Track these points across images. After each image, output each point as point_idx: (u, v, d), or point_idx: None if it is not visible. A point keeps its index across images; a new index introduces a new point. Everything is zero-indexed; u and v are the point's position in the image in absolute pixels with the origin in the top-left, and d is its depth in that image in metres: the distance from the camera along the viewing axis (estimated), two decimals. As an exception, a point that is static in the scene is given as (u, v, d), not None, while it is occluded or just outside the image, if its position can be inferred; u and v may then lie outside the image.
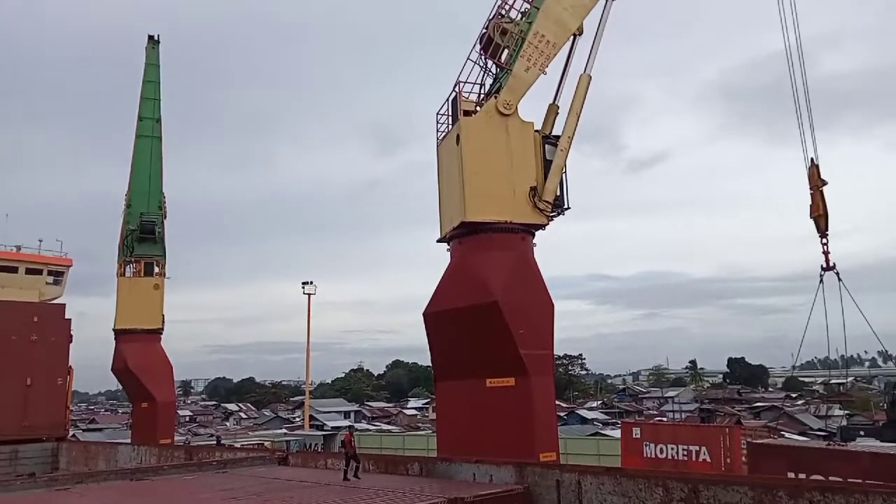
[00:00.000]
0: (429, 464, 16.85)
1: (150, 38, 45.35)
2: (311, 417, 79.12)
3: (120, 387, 49.38)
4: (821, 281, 22.08)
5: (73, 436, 46.72)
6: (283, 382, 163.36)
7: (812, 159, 22.39)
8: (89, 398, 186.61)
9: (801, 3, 23.09)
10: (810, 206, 22.44)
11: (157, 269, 42.39)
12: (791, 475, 20.66)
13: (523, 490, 13.50)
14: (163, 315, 41.98)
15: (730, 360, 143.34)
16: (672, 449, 29.68)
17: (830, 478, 19.90)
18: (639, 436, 31.48)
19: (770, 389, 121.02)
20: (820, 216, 22.13)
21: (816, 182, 22.24)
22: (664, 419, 71.52)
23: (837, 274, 21.74)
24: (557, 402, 40.85)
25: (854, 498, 9.83)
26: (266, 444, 50.84)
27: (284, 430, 73.66)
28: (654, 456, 29.89)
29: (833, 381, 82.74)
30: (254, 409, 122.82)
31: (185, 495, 15.14)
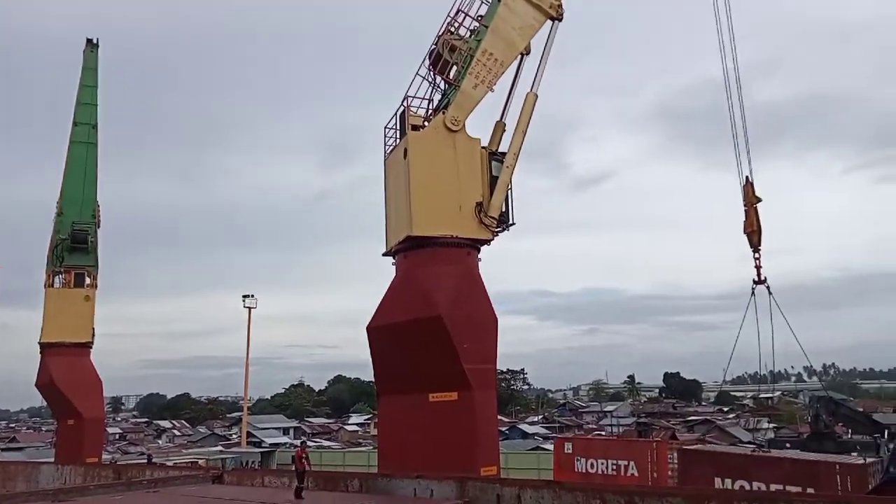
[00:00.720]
0: (369, 480, 16.61)
1: (89, 41, 43.83)
2: (249, 434, 77.16)
3: (44, 403, 47.07)
4: (752, 294, 23.07)
5: (-9, 455, 44.07)
6: (221, 398, 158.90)
7: (747, 177, 23.43)
8: (10, 415, 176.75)
9: (739, 29, 24.25)
10: (744, 221, 23.41)
11: (88, 280, 40.65)
12: (718, 480, 21.41)
13: (464, 505, 13.45)
14: (93, 328, 40.23)
15: (665, 374, 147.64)
16: (602, 464, 30.42)
17: (755, 482, 20.75)
18: (570, 451, 32.09)
19: (703, 403, 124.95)
20: (753, 231, 23.12)
21: (751, 199, 23.24)
22: (603, 433, 72.84)
23: (768, 287, 22.77)
24: (499, 417, 41.13)
25: (781, 507, 10.22)
26: (200, 462, 49.20)
27: (220, 448, 71.52)
28: (585, 470, 30.55)
29: (762, 396, 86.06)
30: (188, 426, 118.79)
31: (112, 516, 14.46)
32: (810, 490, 20.28)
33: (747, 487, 21.16)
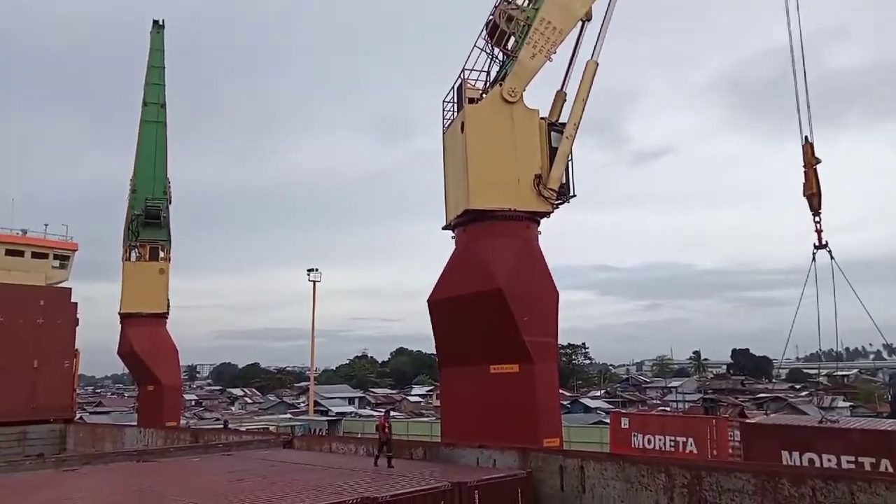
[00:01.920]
0: (432, 448, 16.94)
1: (155, 22, 45.23)
2: (316, 403, 79.61)
3: (126, 371, 49.78)
4: (813, 259, 22.04)
5: (80, 418, 47.16)
6: (288, 368, 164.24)
7: (806, 137, 22.23)
8: (96, 381, 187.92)
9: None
10: (804, 184, 22.31)
11: (161, 254, 42.53)
12: (785, 454, 20.76)
13: (526, 475, 13.56)
14: (168, 299, 42.17)
15: (734, 351, 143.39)
16: (660, 440, 30.00)
17: (824, 455, 20.00)
18: (627, 426, 31.80)
19: (774, 380, 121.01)
20: (813, 194, 22.01)
21: (810, 160, 22.08)
22: (667, 409, 71.76)
23: (830, 252, 21.63)
24: (561, 391, 41.01)
25: (857, 485, 9.86)
26: (271, 428, 51.20)
27: (289, 415, 74.25)
28: (641, 446, 30.22)
29: (837, 373, 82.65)
30: (259, 394, 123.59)
31: (191, 477, 15.28)
32: (885, 461, 19.42)
33: (816, 461, 20.45)
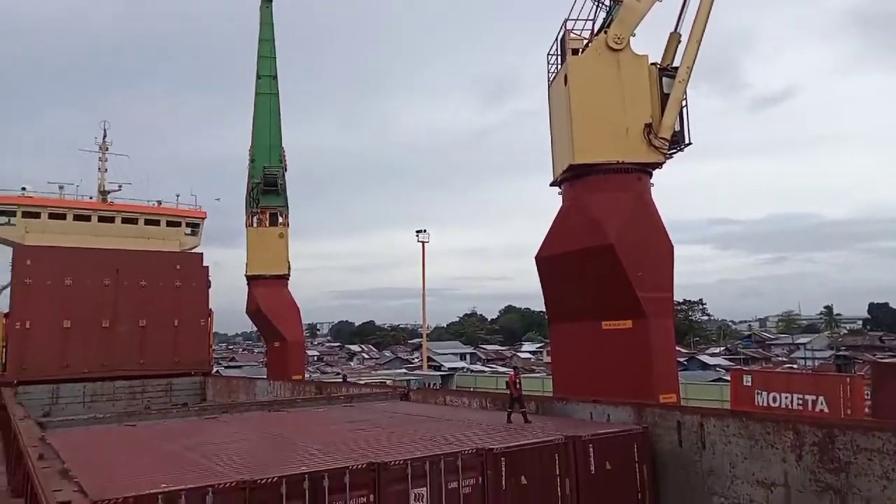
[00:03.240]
0: (545, 403, 17.02)
1: None
2: (429, 359, 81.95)
3: (255, 329, 53.47)
4: None
5: (217, 372, 51.29)
6: (401, 326, 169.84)
7: None
8: (228, 339, 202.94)
9: None
10: None
11: (280, 219, 44.90)
12: None
13: (642, 430, 13.35)
14: (288, 262, 44.61)
15: (871, 305, 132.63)
16: (786, 398, 28.34)
17: None
18: (750, 384, 30.27)
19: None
20: None
21: None
22: (794, 367, 67.85)
23: None
24: (678, 349, 39.70)
25: None
26: (388, 382, 53.41)
27: (404, 370, 77.02)
28: (766, 404, 28.68)
29: None
30: (375, 350, 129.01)
31: (316, 425, 16.29)
32: None
33: None
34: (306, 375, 50.54)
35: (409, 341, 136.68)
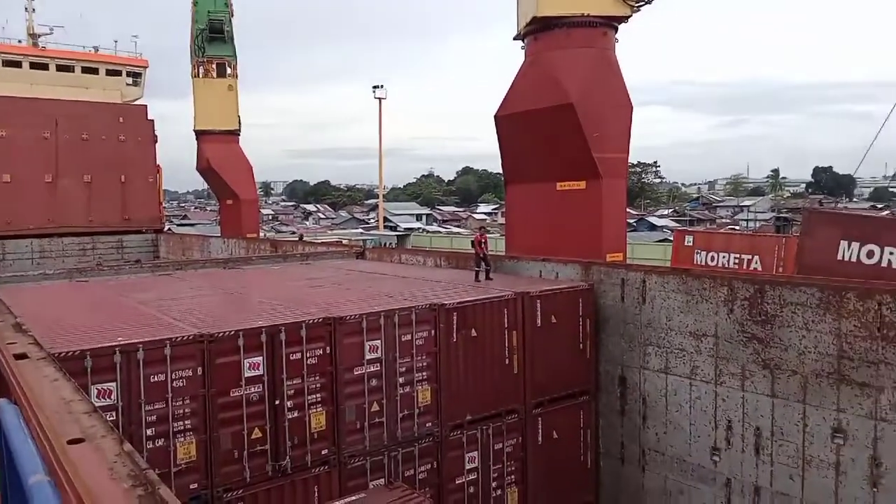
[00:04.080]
0: (497, 261, 17.51)
1: None
2: (385, 219, 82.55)
3: (206, 186, 52.35)
4: None
5: (169, 229, 50.74)
6: (357, 186, 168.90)
7: None
8: (179, 196, 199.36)
9: None
10: None
11: (229, 70, 42.57)
12: (845, 244, 20.33)
13: (588, 287, 13.98)
14: (239, 117, 42.92)
15: (815, 169, 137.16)
16: (724, 257, 29.85)
17: (887, 247, 19.52)
18: (691, 244, 31.64)
19: (855, 200, 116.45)
20: None
21: None
22: (737, 228, 70.87)
23: None
24: (628, 210, 40.83)
25: (929, 302, 9.72)
26: (344, 241, 53.97)
27: (360, 230, 77.62)
28: (704, 263, 30.16)
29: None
30: (330, 210, 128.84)
31: (273, 282, 16.53)
32: None
33: (877, 252, 19.85)
34: (261, 234, 50.52)
35: (366, 202, 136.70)
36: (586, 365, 13.85)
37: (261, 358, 9.83)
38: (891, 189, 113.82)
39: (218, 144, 41.83)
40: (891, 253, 19.89)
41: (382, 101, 72.42)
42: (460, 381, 11.99)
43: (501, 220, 79.85)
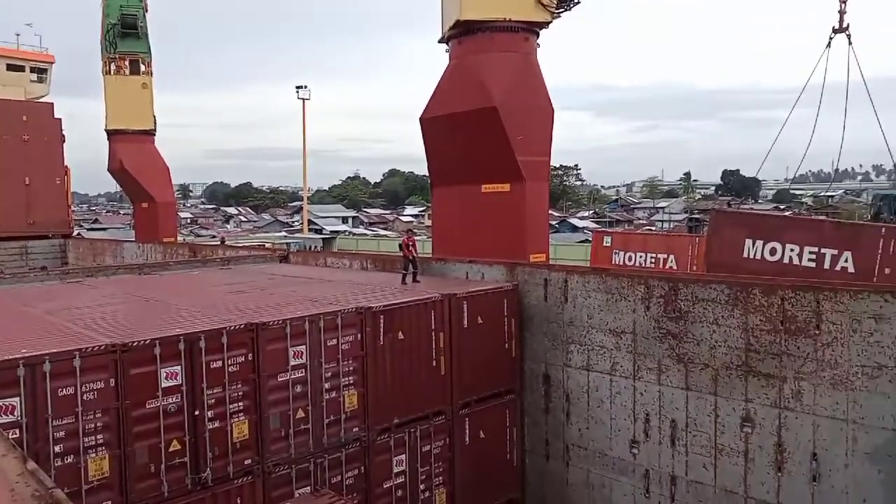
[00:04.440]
0: (424, 263, 17.55)
1: None
2: (310, 222, 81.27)
3: (120, 189, 49.97)
4: (828, 45, 21.26)
5: (79, 234, 48.18)
6: (281, 188, 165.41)
7: None
8: (90, 199, 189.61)
9: None
10: None
11: (143, 68, 40.74)
12: (748, 242, 21.54)
13: (512, 287, 14.23)
14: (154, 116, 41.18)
15: (724, 172, 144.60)
16: (641, 257, 31.08)
17: (788, 244, 20.78)
18: (609, 244, 32.78)
19: (760, 201, 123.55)
20: None
21: None
22: (653, 228, 73.86)
23: (849, 36, 20.79)
24: (551, 212, 41.82)
25: (823, 295, 10.43)
26: (267, 245, 52.75)
27: (284, 233, 76.07)
28: (622, 263, 31.29)
29: (823, 194, 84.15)
30: (253, 213, 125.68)
31: (192, 288, 15.96)
32: (847, 253, 20.20)
33: (779, 250, 21.10)
34: (179, 238, 48.69)
35: (290, 204, 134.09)
36: (512, 364, 14.09)
37: (179, 367, 9.48)
38: (792, 191, 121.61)
39: (131, 145, 39.94)
40: (791, 250, 21.25)
41: (306, 101, 71.45)
42: (387, 384, 11.95)
43: (428, 222, 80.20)
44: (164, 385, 9.33)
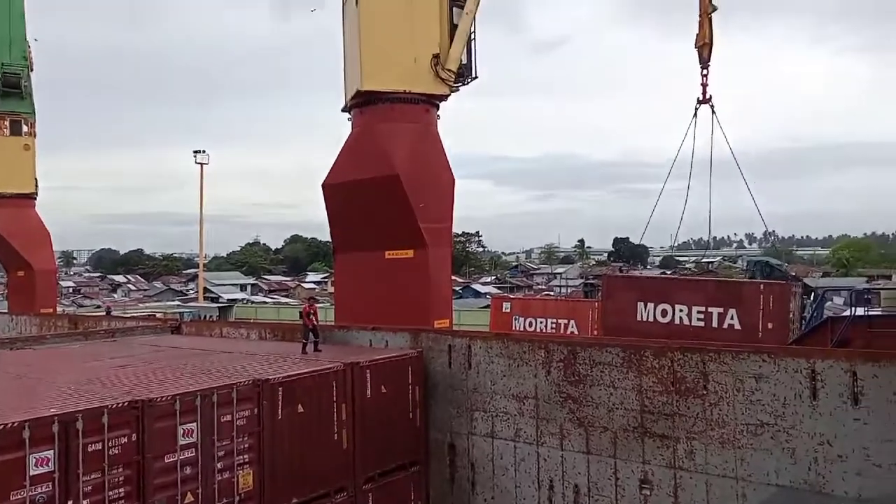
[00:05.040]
0: (327, 332, 17.15)
1: None
2: (206, 290, 78.07)
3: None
4: (695, 115, 22.93)
5: (-59, 306, 43.71)
6: (176, 255, 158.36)
7: None
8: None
9: None
10: (697, 35, 22.66)
11: (25, 128, 38.53)
12: (641, 305, 22.63)
13: (416, 354, 14.11)
14: (36, 179, 38.74)
15: (615, 239, 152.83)
16: (541, 322, 31.74)
17: (678, 305, 21.98)
18: (509, 310, 33.25)
19: (649, 267, 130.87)
20: (705, 45, 22.44)
21: (707, 7, 22.33)
22: (551, 293, 76.22)
23: (712, 107, 22.58)
24: (454, 277, 42.35)
25: (709, 356, 11.04)
26: (158, 314, 49.87)
27: (178, 302, 72.43)
28: (523, 329, 31.79)
29: (703, 260, 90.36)
30: (143, 281, 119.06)
31: (70, 363, 14.72)
32: (732, 310, 21.57)
33: (669, 311, 22.28)
34: (59, 309, 45.19)
35: (184, 272, 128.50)
36: (416, 434, 13.80)
37: (52, 452, 8.59)
38: (676, 257, 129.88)
39: (9, 209, 37.16)
40: (681, 311, 22.52)
41: (204, 165, 69.76)
42: (286, 461, 11.34)
43: (330, 288, 78.92)
44: (32, 473, 8.41)
